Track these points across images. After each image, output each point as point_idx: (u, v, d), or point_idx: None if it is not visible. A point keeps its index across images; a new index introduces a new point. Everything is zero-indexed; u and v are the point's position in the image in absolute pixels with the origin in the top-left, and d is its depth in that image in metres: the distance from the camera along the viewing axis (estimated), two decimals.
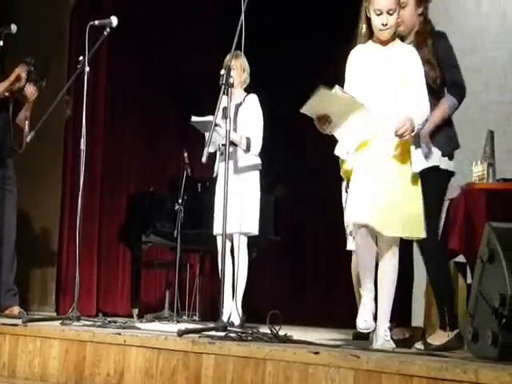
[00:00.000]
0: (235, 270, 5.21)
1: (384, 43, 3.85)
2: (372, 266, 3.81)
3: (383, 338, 3.71)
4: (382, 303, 3.75)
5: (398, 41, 3.90)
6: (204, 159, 4.49)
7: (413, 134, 3.70)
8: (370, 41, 3.90)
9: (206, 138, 5.54)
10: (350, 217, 3.81)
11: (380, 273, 3.79)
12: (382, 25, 3.77)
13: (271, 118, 5.71)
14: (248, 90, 5.67)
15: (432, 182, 3.96)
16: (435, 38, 4.23)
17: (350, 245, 4.75)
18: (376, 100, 3.77)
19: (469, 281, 4.27)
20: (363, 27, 3.88)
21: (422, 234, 3.74)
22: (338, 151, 4.22)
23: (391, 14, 3.75)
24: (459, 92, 4.21)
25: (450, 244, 4.26)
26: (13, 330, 4.68)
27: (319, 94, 3.66)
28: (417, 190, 3.75)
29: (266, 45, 7.86)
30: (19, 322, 4.83)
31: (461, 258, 4.46)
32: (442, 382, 2.69)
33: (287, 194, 6.96)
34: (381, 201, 3.65)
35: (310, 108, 3.72)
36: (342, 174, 4.08)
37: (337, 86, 3.71)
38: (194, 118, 5.50)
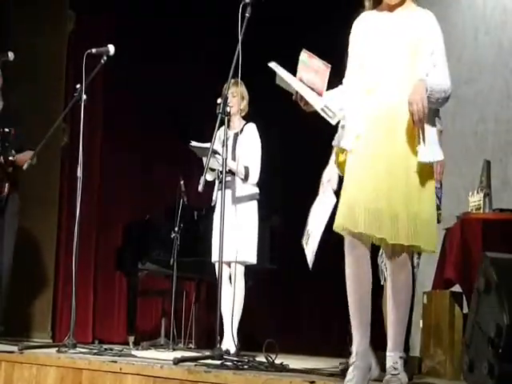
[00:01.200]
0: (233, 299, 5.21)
1: (393, 8, 3.19)
2: (369, 291, 3.09)
3: (393, 371, 3.04)
4: (395, 329, 3.08)
5: (411, 3, 3.21)
6: (200, 188, 4.50)
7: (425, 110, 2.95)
8: (376, 10, 3.25)
9: (204, 164, 5.59)
10: (340, 223, 3.01)
11: (391, 293, 3.09)
12: None
13: (269, 147, 5.74)
14: (247, 118, 5.69)
15: None
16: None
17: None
18: (385, 79, 3.10)
19: (465, 310, 4.28)
20: None
21: (433, 247, 3.03)
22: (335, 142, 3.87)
23: None
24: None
25: (445, 274, 4.27)
26: (9, 357, 4.67)
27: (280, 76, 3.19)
28: (428, 188, 3.02)
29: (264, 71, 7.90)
30: (15, 349, 4.81)
31: (457, 288, 4.46)
32: None
33: (283, 223, 6.97)
34: (379, 201, 2.94)
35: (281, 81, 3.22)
36: (335, 165, 3.43)
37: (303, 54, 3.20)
38: (193, 143, 5.53)
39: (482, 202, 4.53)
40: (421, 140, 2.98)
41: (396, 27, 3.13)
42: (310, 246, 3.52)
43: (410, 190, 2.98)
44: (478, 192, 4.62)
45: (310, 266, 3.53)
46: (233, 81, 5.55)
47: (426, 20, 3.14)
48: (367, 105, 3.10)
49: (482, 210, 4.55)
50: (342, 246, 3.06)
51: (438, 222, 3.50)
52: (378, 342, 3.21)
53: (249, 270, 5.60)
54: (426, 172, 3.02)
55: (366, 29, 3.21)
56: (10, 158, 5.91)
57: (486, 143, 5.85)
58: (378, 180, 2.98)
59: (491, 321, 3.06)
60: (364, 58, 3.18)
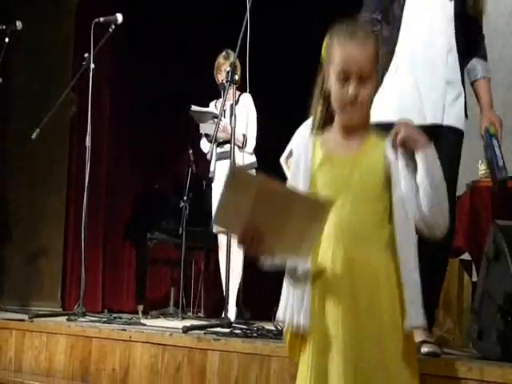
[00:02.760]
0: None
1: (350, 133, 2.23)
2: None
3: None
4: None
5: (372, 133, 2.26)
6: (209, 156, 4.52)
7: None
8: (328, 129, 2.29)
9: (201, 129, 5.60)
10: None
11: None
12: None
13: (275, 116, 5.74)
14: (240, 89, 5.66)
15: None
16: None
17: None
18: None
19: (474, 278, 4.27)
20: (319, 105, 2.29)
21: None
22: None
23: (364, 81, 2.16)
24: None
25: (455, 242, 4.26)
26: (19, 326, 4.71)
27: (236, 180, 2.01)
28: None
29: (266, 44, 7.87)
30: (25, 317, 4.85)
31: (466, 256, 4.46)
32: (447, 380, 2.70)
33: None
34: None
35: (223, 215, 2.07)
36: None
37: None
38: (193, 108, 5.54)
39: None
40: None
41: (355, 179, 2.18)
42: None
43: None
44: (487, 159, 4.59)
45: None
46: (224, 53, 5.58)
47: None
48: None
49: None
50: None
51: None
52: None
53: None
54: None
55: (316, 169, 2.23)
56: None
57: (497, 111, 5.83)
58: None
59: (501, 288, 3.06)
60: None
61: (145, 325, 4.71)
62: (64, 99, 5.54)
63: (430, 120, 3.09)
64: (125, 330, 4.15)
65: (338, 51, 2.18)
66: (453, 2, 3.11)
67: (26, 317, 4.87)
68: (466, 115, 3.26)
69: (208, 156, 4.42)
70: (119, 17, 5.35)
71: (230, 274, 4.66)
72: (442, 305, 4.34)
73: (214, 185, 5.67)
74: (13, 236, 7.11)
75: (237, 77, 4.85)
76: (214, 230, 5.59)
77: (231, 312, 5.04)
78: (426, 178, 2.14)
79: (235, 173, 2.04)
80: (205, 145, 5.78)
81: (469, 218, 4.24)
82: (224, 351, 3.55)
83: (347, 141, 2.24)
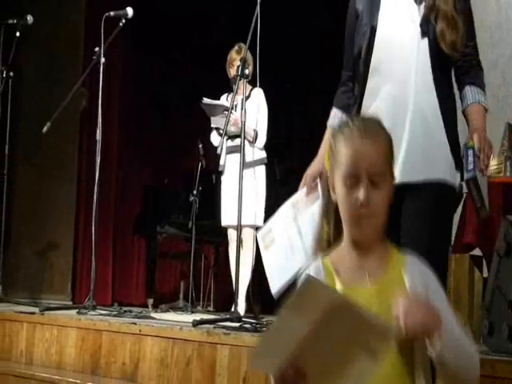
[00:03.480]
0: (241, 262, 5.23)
1: (364, 249, 1.85)
2: None
3: None
4: None
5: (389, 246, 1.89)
6: (219, 150, 4.53)
7: None
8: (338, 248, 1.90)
9: (212, 123, 5.59)
10: None
11: None
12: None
13: (287, 111, 5.73)
14: (252, 83, 5.66)
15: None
16: None
17: None
18: None
19: (485, 274, 4.27)
20: (325, 223, 1.94)
21: None
22: None
23: (377, 185, 1.79)
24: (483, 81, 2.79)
25: (465, 238, 4.25)
26: (30, 319, 4.73)
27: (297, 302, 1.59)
28: None
29: (276, 38, 7.86)
30: (36, 310, 4.87)
31: (477, 252, 4.45)
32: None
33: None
34: None
35: (265, 349, 1.61)
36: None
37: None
38: (205, 100, 5.54)
39: (502, 165, 4.49)
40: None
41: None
42: (274, 268, 2.64)
43: None
44: (498, 155, 4.58)
45: (274, 292, 2.64)
46: (237, 47, 5.57)
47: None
48: None
49: (502, 174, 4.51)
50: None
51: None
52: None
53: None
54: None
55: None
56: None
57: (508, 107, 5.80)
58: None
59: (511, 284, 3.05)
60: None
61: (155, 318, 4.72)
62: (74, 93, 5.54)
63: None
64: (135, 324, 4.16)
65: (344, 150, 1.82)
66: (426, 42, 2.58)
67: (36, 310, 4.89)
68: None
69: (218, 150, 4.42)
70: (129, 11, 5.35)
71: (240, 269, 4.67)
72: (452, 300, 4.34)
73: (223, 178, 5.67)
74: (24, 229, 7.13)
75: (247, 71, 4.85)
76: (222, 224, 5.60)
77: (241, 306, 5.05)
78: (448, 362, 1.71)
79: (310, 282, 1.60)
80: (215, 138, 5.77)
81: (470, 210, 4.23)
82: (234, 345, 3.55)
83: (365, 261, 1.83)
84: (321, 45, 7.89)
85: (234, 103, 4.89)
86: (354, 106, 2.70)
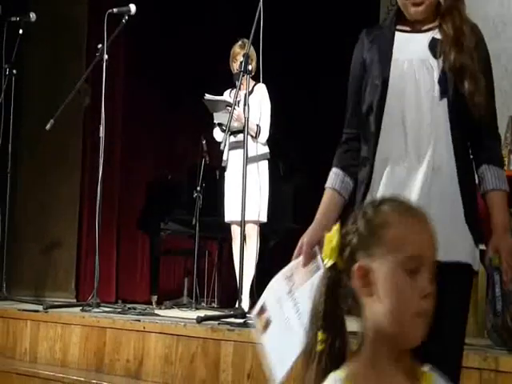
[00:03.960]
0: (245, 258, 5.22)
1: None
2: None
3: None
4: None
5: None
6: (222, 146, 4.52)
7: None
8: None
9: (215, 118, 5.59)
10: None
11: None
12: None
13: (291, 106, 5.71)
14: (255, 79, 5.65)
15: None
16: (475, 34, 2.42)
17: None
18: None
19: None
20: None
21: None
22: None
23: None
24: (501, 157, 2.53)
25: None
26: (34, 316, 4.73)
27: None
28: None
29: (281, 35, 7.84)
30: (40, 308, 4.87)
31: (481, 246, 4.44)
32: (462, 369, 2.68)
33: (308, 182, 6.94)
34: None
35: None
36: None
37: None
38: (207, 96, 5.53)
39: (506, 158, 4.48)
40: None
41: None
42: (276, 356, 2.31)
43: None
44: (502, 148, 4.57)
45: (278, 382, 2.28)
46: (240, 42, 5.56)
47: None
48: None
49: (506, 167, 4.50)
50: None
51: None
52: None
53: (271, 229, 5.61)
54: None
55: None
56: None
57: (511, 100, 5.79)
58: None
59: None
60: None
61: (159, 315, 4.72)
62: (77, 90, 5.54)
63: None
64: (139, 321, 4.16)
65: (398, 231, 1.50)
66: (445, 103, 2.32)
67: (40, 307, 4.89)
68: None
69: (221, 146, 4.41)
70: (132, 8, 5.34)
71: (244, 265, 4.66)
72: None
73: (226, 174, 5.67)
74: (27, 227, 7.13)
75: (250, 67, 4.84)
76: (226, 220, 5.60)
77: (245, 302, 5.04)
78: None
79: None
80: (218, 134, 5.77)
81: (482, 206, 4.21)
82: (238, 341, 3.55)
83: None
84: (324, 41, 7.88)
85: (237, 99, 4.88)
86: (362, 167, 2.40)
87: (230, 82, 5.74)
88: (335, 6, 7.64)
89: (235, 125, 5.38)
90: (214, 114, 5.60)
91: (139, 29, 7.35)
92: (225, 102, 5.55)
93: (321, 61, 7.91)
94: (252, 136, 5.44)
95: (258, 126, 5.49)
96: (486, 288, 3.97)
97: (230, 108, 4.92)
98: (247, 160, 4.68)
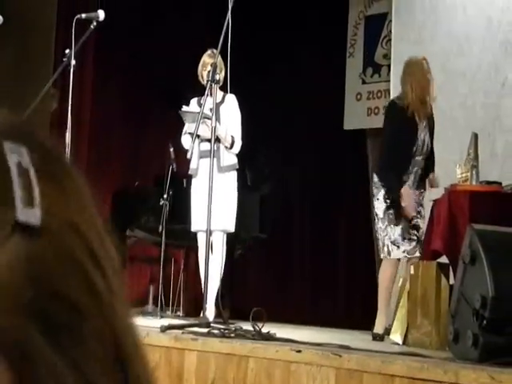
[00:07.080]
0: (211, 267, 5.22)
1: None
2: None
3: None
4: None
5: None
6: (189, 155, 4.54)
7: None
8: None
9: (187, 128, 5.60)
10: None
11: None
12: None
13: (259, 115, 5.74)
14: (223, 89, 5.65)
15: None
16: None
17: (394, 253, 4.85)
18: None
19: (451, 281, 4.31)
20: None
21: None
22: None
23: None
24: None
25: (432, 245, 4.29)
26: None
27: None
28: None
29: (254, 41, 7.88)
30: None
31: (444, 259, 4.49)
32: (422, 382, 2.72)
33: (275, 192, 6.97)
34: None
35: None
36: None
37: None
38: (184, 108, 5.53)
39: (469, 173, 4.54)
40: None
41: None
42: None
43: None
44: (465, 164, 4.63)
45: None
46: (210, 52, 5.56)
47: None
48: None
49: (469, 182, 4.56)
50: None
51: None
52: None
53: (238, 239, 5.62)
54: None
55: None
56: None
57: (475, 116, 5.87)
58: None
59: (476, 292, 3.08)
60: None
61: None
62: (45, 94, 5.52)
63: None
64: None
65: None
66: None
67: None
68: None
69: (188, 155, 4.42)
70: (101, 14, 5.33)
71: (210, 274, 4.67)
72: (419, 307, 4.37)
73: (194, 181, 5.63)
74: None
75: (218, 76, 4.86)
76: (192, 229, 5.58)
77: (210, 311, 5.04)
78: None
79: None
80: (186, 142, 5.76)
81: (446, 221, 4.27)
82: (202, 351, 3.55)
83: None
84: (293, 52, 7.93)
85: (211, 106, 4.88)
86: None
87: (200, 88, 5.75)
88: (304, 15, 7.69)
89: (207, 135, 5.38)
90: (186, 124, 5.59)
91: (108, 35, 7.34)
92: (199, 114, 5.55)
93: (288, 70, 7.95)
94: (226, 147, 5.45)
95: (232, 137, 5.49)
96: (449, 301, 4.02)
97: (207, 120, 4.94)
98: (213, 169, 4.69)
